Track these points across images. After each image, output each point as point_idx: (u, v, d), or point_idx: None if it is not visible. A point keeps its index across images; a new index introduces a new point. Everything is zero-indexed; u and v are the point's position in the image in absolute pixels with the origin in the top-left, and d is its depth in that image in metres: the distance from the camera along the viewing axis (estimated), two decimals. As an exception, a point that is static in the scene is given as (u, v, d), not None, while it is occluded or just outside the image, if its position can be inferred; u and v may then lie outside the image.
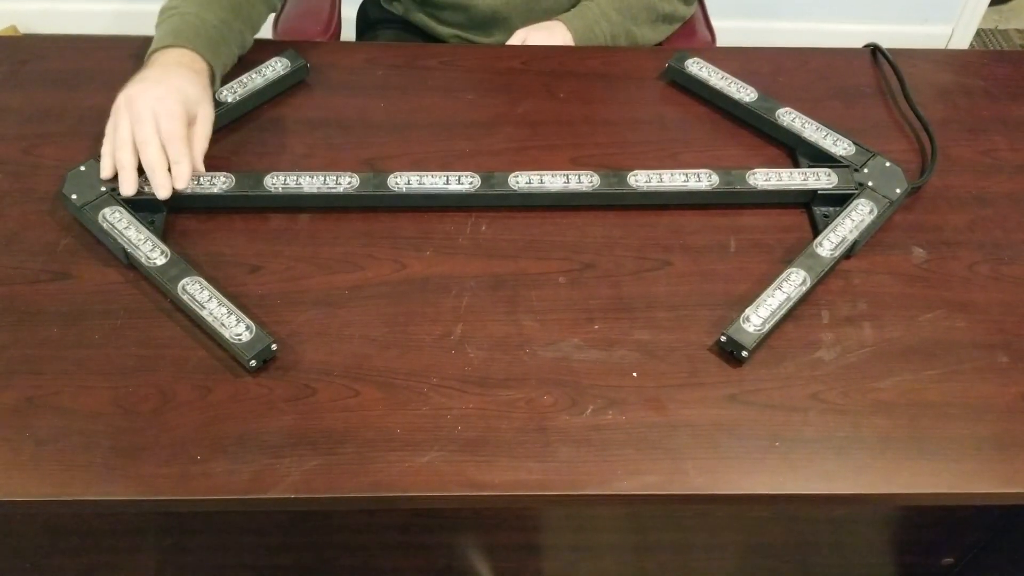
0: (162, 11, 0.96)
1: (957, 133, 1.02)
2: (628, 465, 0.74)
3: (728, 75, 1.02)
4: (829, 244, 0.87)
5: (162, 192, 0.85)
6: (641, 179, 0.91)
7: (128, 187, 0.86)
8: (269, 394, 0.76)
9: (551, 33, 1.15)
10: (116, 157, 0.86)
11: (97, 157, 0.89)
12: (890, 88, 1.07)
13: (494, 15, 1.19)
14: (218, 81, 0.95)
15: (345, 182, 0.89)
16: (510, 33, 1.18)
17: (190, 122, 0.88)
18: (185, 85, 0.88)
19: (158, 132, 0.85)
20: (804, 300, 0.84)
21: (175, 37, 0.92)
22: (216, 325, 0.78)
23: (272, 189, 0.89)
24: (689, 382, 0.79)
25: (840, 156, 0.95)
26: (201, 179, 0.89)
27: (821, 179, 0.92)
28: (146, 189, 0.87)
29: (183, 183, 0.86)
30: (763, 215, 0.92)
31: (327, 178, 0.90)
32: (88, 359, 0.78)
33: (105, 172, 0.87)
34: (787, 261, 0.86)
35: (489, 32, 1.21)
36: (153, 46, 0.93)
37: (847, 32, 2.33)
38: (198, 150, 0.88)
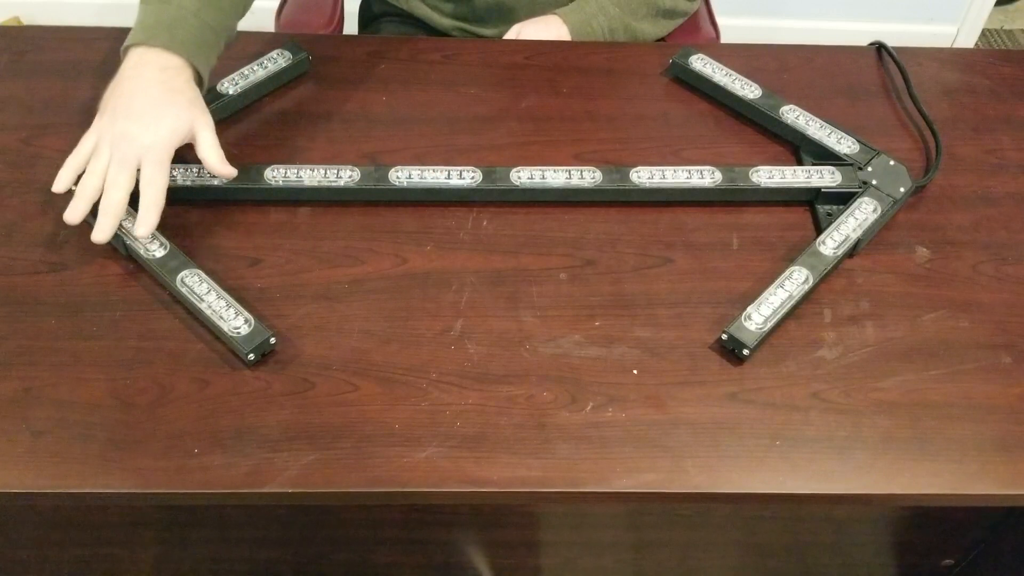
0: None
1: (962, 132, 1.01)
2: (627, 463, 0.73)
3: (732, 72, 1.02)
4: (832, 242, 0.86)
5: (99, 236, 0.80)
6: (644, 176, 0.91)
7: (76, 215, 0.81)
8: (267, 388, 0.76)
9: (547, 27, 1.15)
10: (84, 182, 0.81)
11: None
12: (895, 86, 1.06)
13: (498, 7, 1.18)
14: (205, 83, 0.89)
15: (346, 176, 0.89)
16: (513, 25, 1.17)
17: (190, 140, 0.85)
18: (179, 123, 0.83)
19: (134, 178, 0.81)
20: (806, 299, 0.84)
21: (170, 36, 0.85)
22: (215, 318, 0.78)
23: (272, 182, 0.88)
24: (690, 380, 0.79)
25: (844, 154, 0.94)
26: (201, 171, 0.88)
27: (825, 177, 0.92)
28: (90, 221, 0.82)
29: (143, 232, 0.81)
30: (766, 213, 0.92)
31: (328, 171, 0.89)
32: (86, 351, 0.78)
33: (59, 186, 0.82)
34: (790, 259, 0.86)
35: (492, 24, 1.21)
36: (141, 35, 0.86)
37: (851, 31, 2.33)
38: (214, 159, 0.85)
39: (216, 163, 0.85)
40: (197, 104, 0.86)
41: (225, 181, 0.87)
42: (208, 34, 0.89)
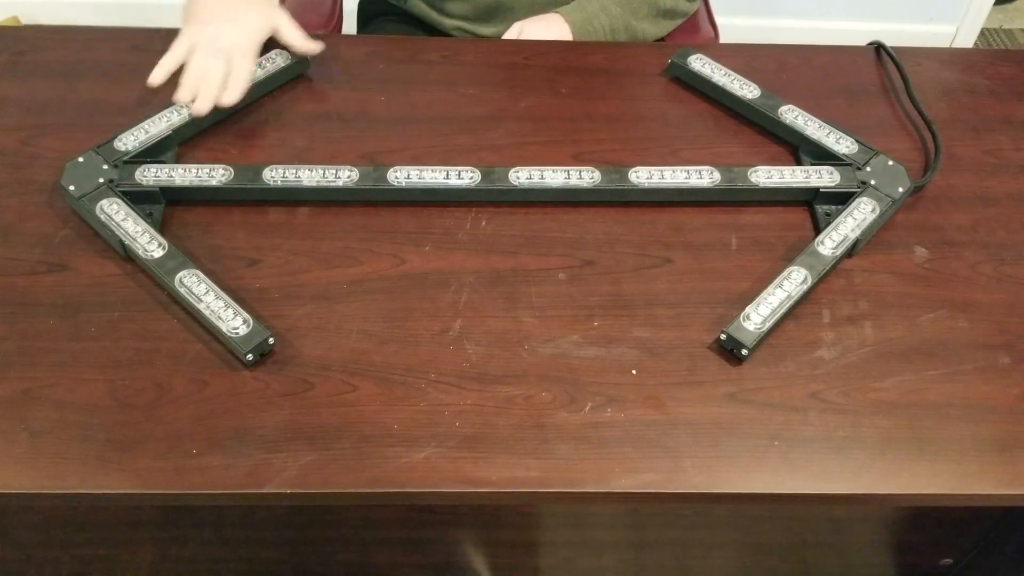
0: None
1: (961, 132, 1.01)
2: (626, 463, 0.73)
3: (731, 72, 1.02)
4: (831, 243, 0.86)
5: (201, 107, 0.92)
6: (642, 176, 0.91)
7: (186, 95, 0.93)
8: (266, 388, 0.76)
9: (548, 25, 1.15)
10: (189, 71, 0.94)
11: (96, 148, 0.89)
12: (894, 86, 1.06)
13: (497, 5, 1.18)
14: None
15: (344, 176, 0.89)
16: (512, 24, 1.17)
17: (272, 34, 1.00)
18: (260, 21, 0.98)
19: (227, 66, 0.94)
20: (805, 299, 0.84)
21: None
22: (213, 319, 0.78)
23: (271, 182, 0.88)
24: (688, 380, 0.79)
25: (843, 154, 0.94)
26: (199, 171, 0.88)
27: (823, 177, 0.92)
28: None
29: (229, 100, 0.94)
30: (765, 213, 0.92)
31: (326, 172, 0.89)
32: (84, 351, 0.78)
33: (155, 79, 0.94)
34: (788, 259, 0.86)
35: (492, 23, 1.21)
36: None
37: (851, 30, 2.33)
38: (298, 40, 1.00)
39: (300, 42, 1.00)
40: (272, 4, 1.02)
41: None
42: None
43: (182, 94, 0.93)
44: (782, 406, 0.77)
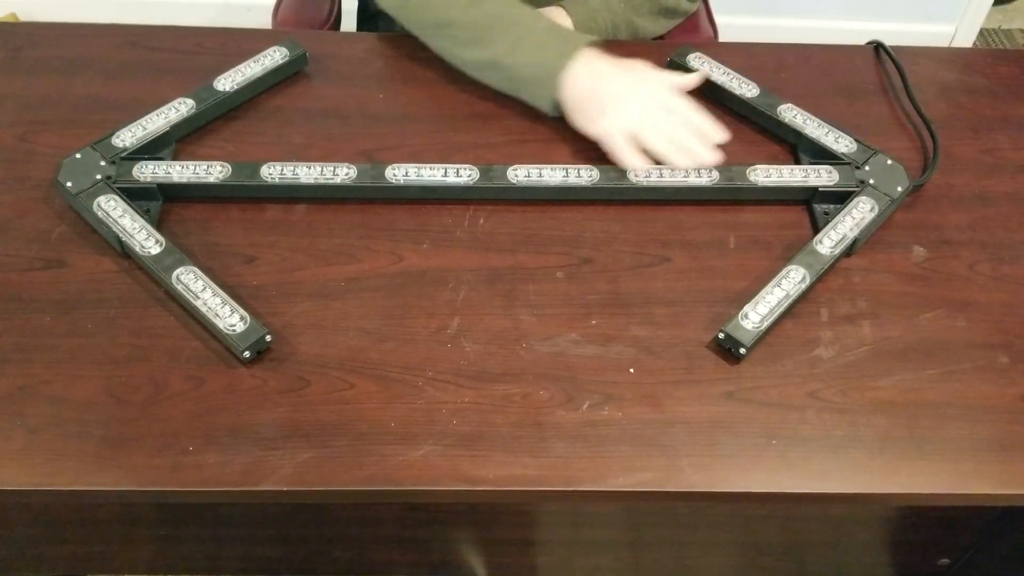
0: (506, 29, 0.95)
1: (959, 132, 1.01)
2: (624, 461, 0.73)
3: (730, 70, 1.01)
4: (829, 242, 0.86)
5: (700, 158, 0.90)
6: (641, 174, 0.91)
7: (680, 159, 0.90)
8: (263, 386, 0.76)
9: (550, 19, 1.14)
10: (659, 148, 0.90)
11: (93, 145, 0.89)
12: (893, 86, 1.06)
13: None
14: None
15: (342, 173, 0.89)
16: None
17: None
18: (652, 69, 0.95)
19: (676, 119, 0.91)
20: (803, 298, 0.84)
21: (575, 40, 0.94)
22: (210, 315, 0.77)
23: (269, 179, 0.88)
24: (686, 379, 0.78)
25: (841, 153, 0.94)
26: (197, 168, 0.88)
27: (822, 176, 0.92)
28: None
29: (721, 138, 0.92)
30: (763, 212, 0.92)
31: (324, 169, 0.89)
32: (81, 348, 0.77)
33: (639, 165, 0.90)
34: (787, 258, 0.86)
35: None
36: (567, 48, 0.93)
37: (850, 30, 2.33)
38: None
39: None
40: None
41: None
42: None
43: (680, 162, 0.90)
44: (780, 405, 0.77)
